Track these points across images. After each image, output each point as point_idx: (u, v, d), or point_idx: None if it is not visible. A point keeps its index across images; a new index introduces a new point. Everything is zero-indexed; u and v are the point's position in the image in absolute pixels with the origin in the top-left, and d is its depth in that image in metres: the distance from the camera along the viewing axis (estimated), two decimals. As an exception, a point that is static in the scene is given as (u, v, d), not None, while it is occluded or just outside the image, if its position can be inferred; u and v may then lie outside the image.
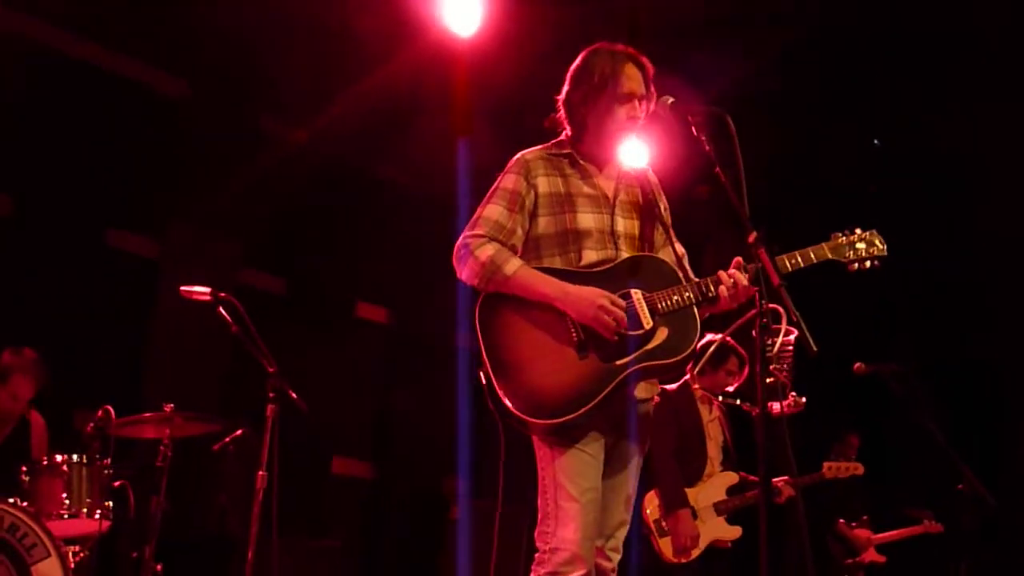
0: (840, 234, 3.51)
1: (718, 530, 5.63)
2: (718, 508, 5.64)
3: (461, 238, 3.39)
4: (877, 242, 3.51)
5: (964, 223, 8.45)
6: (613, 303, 3.20)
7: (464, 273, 3.36)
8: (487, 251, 3.30)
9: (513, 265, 3.28)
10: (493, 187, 3.45)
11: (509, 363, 3.21)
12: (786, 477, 5.71)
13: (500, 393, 3.17)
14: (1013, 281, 8.26)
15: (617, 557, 3.40)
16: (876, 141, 8.33)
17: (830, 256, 3.46)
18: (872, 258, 3.49)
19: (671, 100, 3.38)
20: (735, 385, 5.92)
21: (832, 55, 7.47)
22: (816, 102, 7.89)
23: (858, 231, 3.51)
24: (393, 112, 7.57)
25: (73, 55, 6.90)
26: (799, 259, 3.39)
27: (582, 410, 3.15)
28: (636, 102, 3.44)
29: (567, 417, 3.15)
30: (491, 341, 3.25)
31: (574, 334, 3.23)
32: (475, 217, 3.41)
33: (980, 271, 8.54)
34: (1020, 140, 7.77)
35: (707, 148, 3.21)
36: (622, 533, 3.41)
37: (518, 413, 3.15)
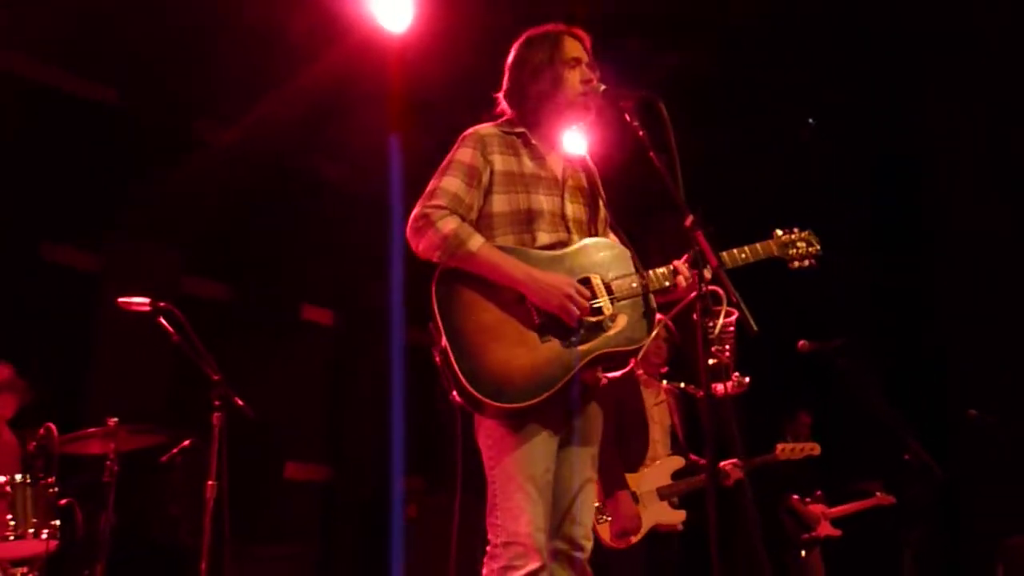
0: (781, 232, 3.61)
1: (661, 515, 5.54)
2: (661, 493, 5.55)
3: (419, 208, 3.28)
4: (814, 241, 3.63)
5: (907, 210, 8.59)
6: (579, 292, 3.19)
7: (422, 244, 3.24)
8: (449, 224, 3.21)
9: (476, 241, 3.21)
10: (447, 159, 3.37)
11: (467, 343, 3.14)
12: (735, 460, 5.71)
13: (458, 373, 3.10)
14: (958, 260, 8.37)
15: (589, 545, 3.35)
16: (811, 120, 8.43)
17: (776, 253, 3.56)
18: (810, 256, 3.60)
19: (603, 87, 3.40)
20: (666, 351, 5.86)
21: (770, 43, 7.56)
22: (757, 91, 7.98)
23: (796, 230, 3.62)
24: (328, 111, 7.52)
25: (2, 68, 6.78)
26: (748, 253, 3.47)
27: (544, 395, 3.11)
28: (584, 66, 3.43)
29: (529, 402, 3.11)
30: (449, 319, 3.16)
31: (535, 317, 3.19)
32: (431, 188, 3.31)
33: (924, 253, 8.66)
34: (967, 130, 7.93)
35: (640, 134, 3.23)
36: (589, 519, 3.37)
37: (477, 395, 3.08)
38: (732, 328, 3.30)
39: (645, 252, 3.49)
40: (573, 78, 3.42)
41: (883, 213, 8.71)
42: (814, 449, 6.17)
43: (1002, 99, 7.82)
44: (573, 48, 3.46)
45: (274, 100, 7.13)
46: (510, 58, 3.53)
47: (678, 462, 5.68)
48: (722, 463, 5.62)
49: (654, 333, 3.30)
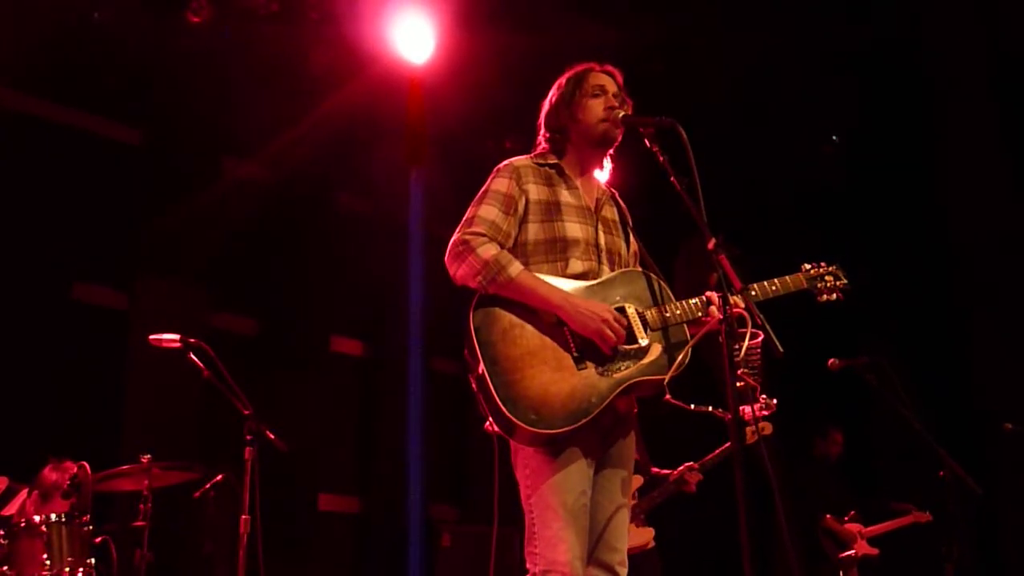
0: (810, 266, 3.67)
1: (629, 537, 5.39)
2: None
3: (458, 235, 3.32)
4: (841, 275, 3.69)
5: (933, 219, 8.53)
6: (616, 319, 3.21)
7: (461, 270, 3.27)
8: (490, 250, 3.25)
9: (516, 267, 3.24)
10: (483, 189, 3.42)
11: (505, 369, 3.15)
12: (690, 463, 5.56)
13: (496, 399, 3.10)
14: (990, 272, 8.30)
15: (625, 572, 3.35)
16: (835, 137, 8.43)
17: (805, 286, 3.62)
18: (837, 290, 3.66)
19: (622, 114, 3.43)
20: None
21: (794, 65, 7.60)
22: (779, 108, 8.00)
23: (823, 264, 3.69)
24: (352, 143, 7.57)
25: (29, 112, 6.90)
26: (778, 286, 3.52)
27: (581, 422, 3.12)
28: (610, 95, 3.47)
29: (565, 429, 3.12)
30: (486, 346, 3.18)
31: (572, 343, 3.22)
32: (469, 216, 3.35)
33: (950, 265, 8.60)
34: (985, 135, 7.90)
35: (661, 159, 3.25)
36: (624, 545, 3.37)
37: (514, 420, 3.09)
38: (758, 351, 3.30)
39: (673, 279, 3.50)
40: (595, 106, 3.47)
41: (907, 225, 8.64)
42: (766, 429, 5.77)
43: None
44: (598, 80, 3.51)
45: (297, 134, 7.20)
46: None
47: (637, 480, 5.49)
48: (678, 469, 5.53)
49: (686, 362, 3.29)
